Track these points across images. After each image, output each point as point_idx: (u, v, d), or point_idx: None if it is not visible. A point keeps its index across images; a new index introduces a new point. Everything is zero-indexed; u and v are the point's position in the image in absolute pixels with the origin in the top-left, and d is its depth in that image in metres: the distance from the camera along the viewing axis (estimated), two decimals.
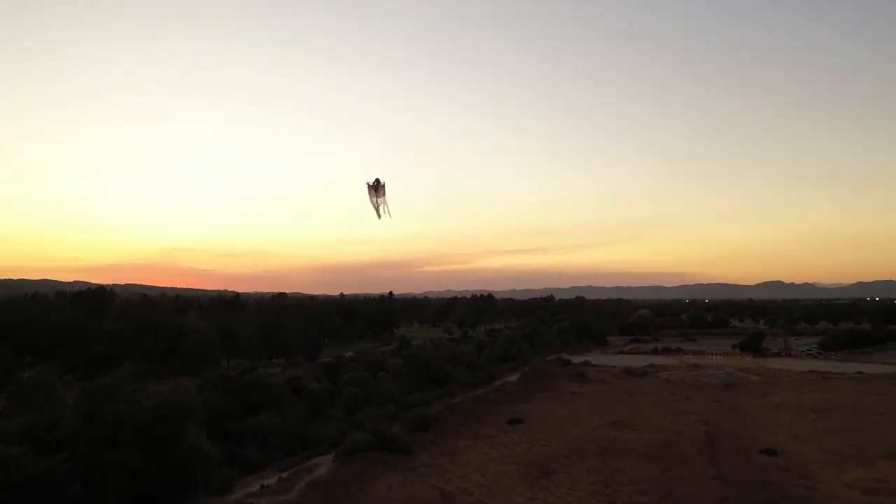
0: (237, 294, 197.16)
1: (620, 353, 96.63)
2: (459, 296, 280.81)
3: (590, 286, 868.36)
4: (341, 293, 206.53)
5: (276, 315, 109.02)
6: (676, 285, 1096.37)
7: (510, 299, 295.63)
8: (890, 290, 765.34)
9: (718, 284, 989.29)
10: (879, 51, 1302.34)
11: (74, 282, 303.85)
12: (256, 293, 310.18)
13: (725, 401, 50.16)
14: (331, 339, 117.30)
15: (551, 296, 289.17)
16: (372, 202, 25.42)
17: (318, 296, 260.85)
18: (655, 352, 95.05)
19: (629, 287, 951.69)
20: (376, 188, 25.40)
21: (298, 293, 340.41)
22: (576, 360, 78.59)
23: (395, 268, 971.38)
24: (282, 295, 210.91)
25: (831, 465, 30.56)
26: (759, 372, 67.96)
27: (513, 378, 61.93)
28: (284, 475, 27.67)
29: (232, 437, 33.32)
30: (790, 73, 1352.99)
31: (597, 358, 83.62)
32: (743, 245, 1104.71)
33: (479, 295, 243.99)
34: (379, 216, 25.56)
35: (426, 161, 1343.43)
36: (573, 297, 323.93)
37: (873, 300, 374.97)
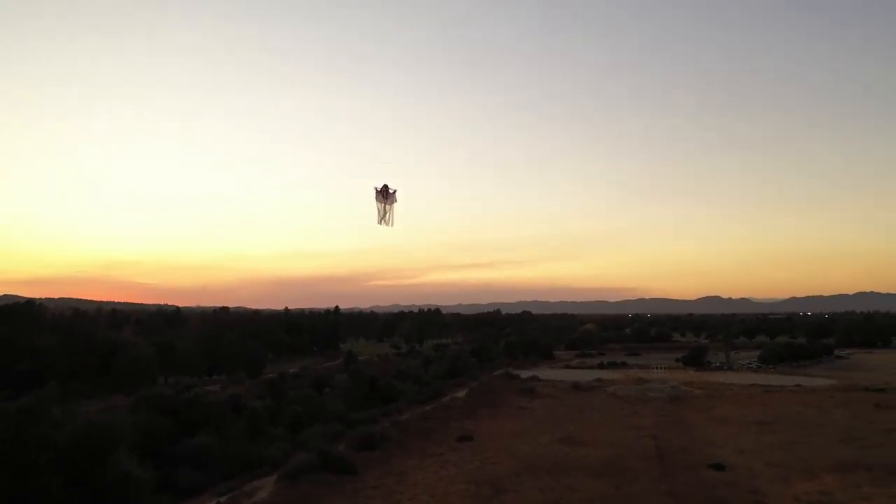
0: (178, 308, 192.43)
1: (567, 367, 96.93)
2: (406, 310, 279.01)
3: (535, 301, 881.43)
4: (286, 307, 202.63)
5: (217, 330, 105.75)
6: (619, 300, 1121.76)
7: (457, 314, 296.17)
8: (820, 304, 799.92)
9: (659, 299, 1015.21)
10: (817, 80, 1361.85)
11: (4, 295, 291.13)
12: (199, 307, 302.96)
13: (672, 415, 50.36)
14: (275, 354, 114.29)
15: (498, 310, 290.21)
16: (379, 207, 25.92)
17: (262, 310, 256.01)
18: (602, 366, 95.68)
19: (574, 302, 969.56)
20: (385, 194, 25.85)
21: (242, 307, 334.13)
22: (524, 374, 78.32)
23: (342, 282, 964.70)
24: (224, 309, 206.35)
25: (778, 478, 30.63)
26: (703, 385, 68.87)
27: (461, 394, 61.23)
28: (223, 500, 26.25)
29: (167, 460, 31.55)
30: (727, 97, 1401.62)
31: (544, 373, 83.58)
32: (682, 261, 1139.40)
33: (426, 309, 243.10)
34: (383, 222, 26.24)
35: (371, 174, 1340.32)
36: (519, 311, 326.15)
37: (805, 314, 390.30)
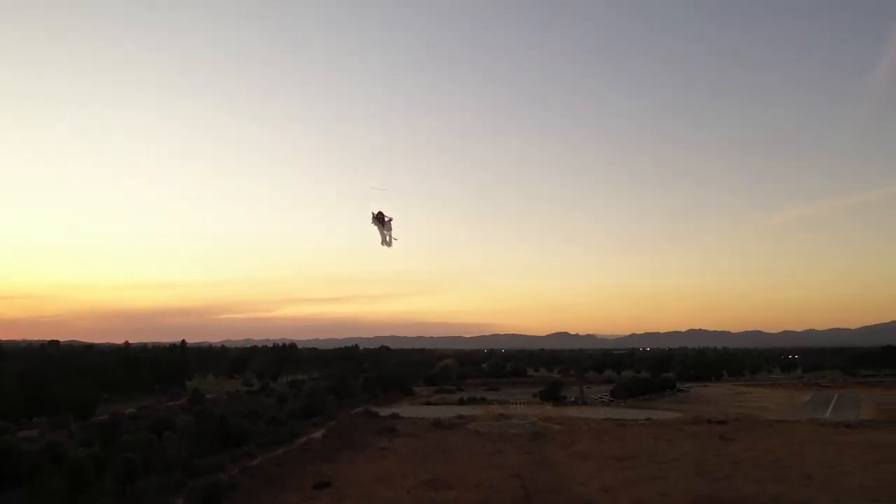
0: None
1: (428, 403, 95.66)
2: (260, 345, 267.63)
3: (392, 336, 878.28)
4: (126, 341, 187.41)
5: (41, 366, 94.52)
6: (474, 335, 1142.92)
7: (314, 349, 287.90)
8: (657, 340, 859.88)
9: (512, 335, 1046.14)
10: (656, 129, 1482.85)
11: None
12: (24, 341, 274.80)
13: (534, 452, 49.99)
14: (110, 393, 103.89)
15: (356, 345, 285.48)
16: (380, 231, 26.80)
17: (98, 344, 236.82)
18: (461, 402, 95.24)
19: (430, 337, 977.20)
20: (382, 220, 26.57)
21: (75, 341, 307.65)
22: (383, 412, 75.94)
23: (190, 314, 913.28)
24: (53, 343, 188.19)
25: None
26: (562, 421, 69.70)
27: (318, 434, 57.94)
28: None
29: None
30: (572, 146, 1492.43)
31: (405, 410, 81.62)
32: (533, 298, 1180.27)
33: (280, 344, 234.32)
34: (385, 244, 27.01)
35: (224, 204, 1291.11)
36: (377, 346, 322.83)
37: (645, 350, 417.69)
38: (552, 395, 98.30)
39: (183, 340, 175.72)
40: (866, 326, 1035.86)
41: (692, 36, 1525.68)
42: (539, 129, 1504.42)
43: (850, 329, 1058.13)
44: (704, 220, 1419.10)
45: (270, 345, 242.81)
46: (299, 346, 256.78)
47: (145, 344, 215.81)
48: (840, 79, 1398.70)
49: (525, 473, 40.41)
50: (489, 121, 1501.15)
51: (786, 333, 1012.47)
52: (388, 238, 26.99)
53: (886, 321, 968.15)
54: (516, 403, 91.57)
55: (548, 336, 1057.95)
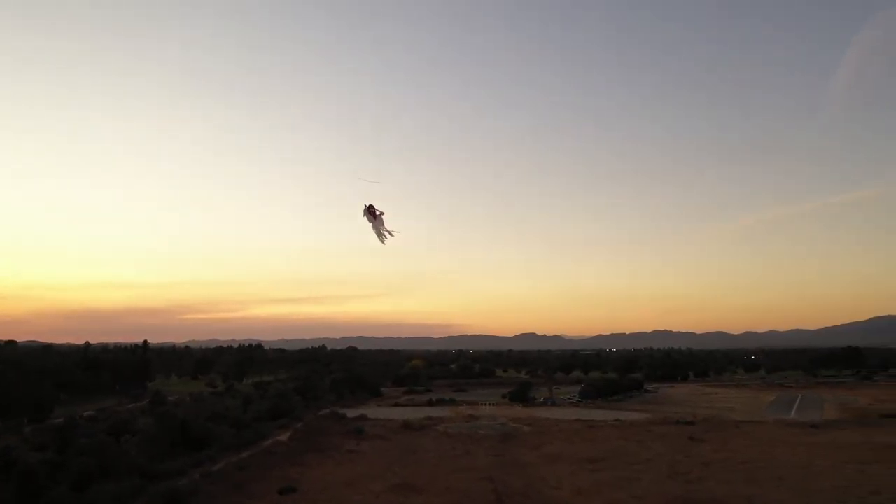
0: None
1: (397, 405, 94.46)
2: (225, 345, 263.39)
3: (361, 336, 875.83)
4: (87, 342, 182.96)
5: None
6: (443, 336, 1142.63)
7: (281, 349, 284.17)
8: (623, 341, 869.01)
9: (481, 336, 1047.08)
10: (619, 130, 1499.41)
11: None
12: None
13: (505, 454, 49.31)
14: (69, 395, 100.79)
15: (323, 346, 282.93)
16: (373, 227, 25.73)
17: (57, 345, 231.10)
18: (430, 403, 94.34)
19: (399, 338, 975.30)
20: (373, 214, 25.57)
21: (33, 341, 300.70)
22: (351, 414, 74.72)
23: (154, 315, 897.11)
24: (11, 343, 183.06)
25: None
26: (531, 422, 69.24)
27: (284, 437, 56.59)
28: None
29: None
30: (536, 152, 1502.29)
31: (373, 411, 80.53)
32: (501, 299, 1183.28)
33: (246, 345, 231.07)
34: (386, 237, 25.98)
35: (192, 205, 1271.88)
36: (345, 347, 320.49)
37: (611, 351, 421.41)
38: (521, 396, 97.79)
39: (145, 341, 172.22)
40: (826, 327, 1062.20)
41: (656, 41, 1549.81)
42: (508, 133, 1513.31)
43: (809, 330, 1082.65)
44: (669, 223, 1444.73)
45: (236, 345, 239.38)
46: (266, 347, 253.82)
47: (106, 345, 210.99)
48: (802, 85, 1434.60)
49: (496, 476, 39.72)
50: (458, 124, 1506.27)
51: (749, 334, 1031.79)
52: (382, 232, 25.81)
53: (845, 322, 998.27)
54: (486, 404, 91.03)
55: (515, 337, 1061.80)
